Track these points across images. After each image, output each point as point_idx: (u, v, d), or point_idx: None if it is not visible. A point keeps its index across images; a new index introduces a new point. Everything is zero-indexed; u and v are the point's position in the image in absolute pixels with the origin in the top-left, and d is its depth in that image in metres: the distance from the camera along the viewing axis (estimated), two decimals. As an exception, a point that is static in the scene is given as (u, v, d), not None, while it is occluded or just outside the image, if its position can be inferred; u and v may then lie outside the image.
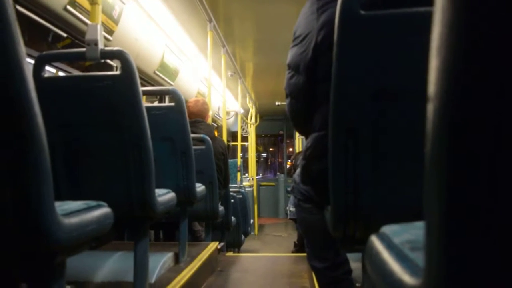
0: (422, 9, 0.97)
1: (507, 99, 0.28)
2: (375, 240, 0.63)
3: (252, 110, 8.99)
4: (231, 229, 4.20)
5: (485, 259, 0.30)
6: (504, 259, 0.29)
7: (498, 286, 0.30)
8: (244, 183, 7.49)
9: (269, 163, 13.33)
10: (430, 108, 0.32)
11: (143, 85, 4.31)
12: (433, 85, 0.31)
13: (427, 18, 0.32)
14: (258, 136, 11.36)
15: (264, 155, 13.00)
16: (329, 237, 1.27)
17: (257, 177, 10.46)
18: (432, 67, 0.31)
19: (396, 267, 0.50)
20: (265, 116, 11.46)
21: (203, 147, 3.01)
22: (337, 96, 1.07)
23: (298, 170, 1.63)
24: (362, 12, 1.01)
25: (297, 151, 9.58)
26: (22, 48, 0.71)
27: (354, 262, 1.65)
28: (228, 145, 8.62)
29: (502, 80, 0.28)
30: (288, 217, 7.00)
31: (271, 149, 13.25)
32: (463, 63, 0.29)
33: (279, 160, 13.01)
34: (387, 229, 0.63)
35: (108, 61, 3.57)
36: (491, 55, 0.28)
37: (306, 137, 1.52)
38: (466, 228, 0.30)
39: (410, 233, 0.58)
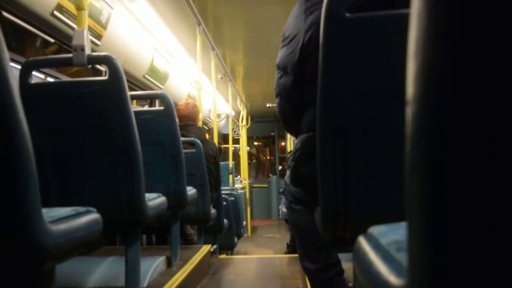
0: (407, 11, 0.98)
1: (484, 102, 0.28)
2: (362, 241, 0.63)
3: (243, 113, 8.99)
4: (224, 231, 4.19)
5: (466, 259, 0.30)
6: (485, 258, 0.30)
7: (479, 286, 0.30)
8: (236, 185, 7.48)
9: (261, 165, 13.30)
10: (409, 111, 0.32)
11: (132, 90, 4.31)
12: (410, 88, 0.32)
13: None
14: (249, 138, 11.35)
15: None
16: (321, 238, 1.28)
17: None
18: (409, 71, 0.32)
19: (383, 268, 0.50)
20: (256, 118, 11.46)
21: (193, 150, 3.01)
22: (324, 97, 1.08)
23: (288, 172, 1.64)
24: (347, 14, 1.02)
25: (288, 151, 9.58)
26: (6, 55, 0.71)
27: (346, 262, 1.65)
28: (220, 148, 8.62)
29: (479, 84, 0.28)
30: (280, 216, 7.00)
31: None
32: (440, 67, 0.30)
33: (269, 157, 12.97)
34: (374, 229, 0.64)
35: (98, 66, 3.55)
36: (468, 58, 0.29)
37: (296, 138, 1.53)
38: (447, 229, 0.31)
39: (397, 233, 0.59)
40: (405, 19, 1.01)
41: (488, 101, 0.28)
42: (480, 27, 0.28)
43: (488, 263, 0.29)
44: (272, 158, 12.79)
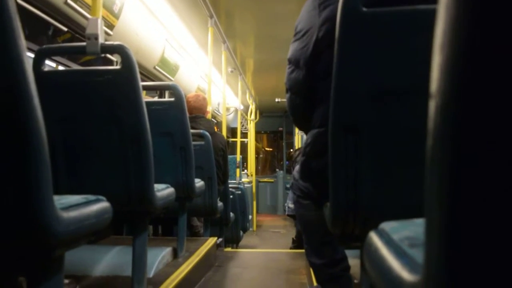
0: (423, 6, 0.97)
1: (510, 97, 0.28)
2: (374, 237, 0.63)
3: (252, 107, 8.98)
4: (230, 224, 4.20)
5: (484, 256, 0.30)
6: (504, 256, 0.29)
7: (496, 284, 0.30)
8: (243, 179, 7.49)
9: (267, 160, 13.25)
10: (432, 105, 0.32)
11: (143, 80, 4.30)
12: (435, 82, 0.31)
13: (429, 16, 0.32)
14: (257, 132, 11.35)
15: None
16: (328, 233, 1.27)
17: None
18: (435, 64, 0.31)
19: (395, 263, 0.50)
20: (265, 112, 11.45)
21: (202, 142, 3.01)
22: (338, 93, 1.07)
23: (297, 167, 1.64)
24: (364, 9, 1.01)
25: (296, 147, 9.56)
26: (23, 41, 0.71)
27: (352, 259, 1.65)
28: (228, 141, 8.62)
29: (505, 78, 0.28)
30: (286, 213, 7.00)
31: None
32: (467, 60, 0.29)
33: (275, 151, 12.89)
34: (386, 225, 0.63)
35: (109, 55, 3.56)
36: (495, 52, 0.28)
37: (306, 133, 1.52)
38: (467, 226, 0.30)
39: (409, 230, 0.58)
40: (422, 15, 1.00)
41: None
42: (508, 19, 0.27)
43: (508, 261, 0.29)
44: (279, 153, 12.77)
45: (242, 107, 8.54)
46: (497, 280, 0.30)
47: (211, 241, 2.92)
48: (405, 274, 0.46)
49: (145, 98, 3.47)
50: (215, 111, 7.58)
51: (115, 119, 1.51)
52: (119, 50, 1.49)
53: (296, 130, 9.91)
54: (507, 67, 0.27)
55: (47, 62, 2.99)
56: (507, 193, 0.28)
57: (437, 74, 0.31)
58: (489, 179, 0.29)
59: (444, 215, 0.32)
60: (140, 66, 4.22)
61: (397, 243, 0.54)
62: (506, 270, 0.29)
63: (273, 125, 12.17)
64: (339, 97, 1.08)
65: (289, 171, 11.05)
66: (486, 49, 0.28)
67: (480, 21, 0.28)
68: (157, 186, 1.66)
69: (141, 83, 1.55)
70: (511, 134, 0.28)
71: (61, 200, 0.92)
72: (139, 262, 1.67)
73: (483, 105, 0.29)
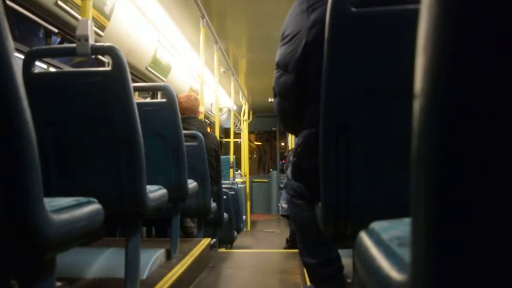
0: (413, 6, 0.97)
1: (493, 97, 0.28)
2: (364, 236, 0.63)
3: (245, 107, 8.98)
4: (223, 225, 4.20)
5: (471, 255, 0.30)
6: (490, 255, 0.29)
7: (481, 282, 0.30)
8: (236, 180, 7.48)
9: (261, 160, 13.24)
10: (416, 105, 0.32)
11: (135, 81, 4.31)
12: (419, 82, 0.31)
13: (418, 15, 0.32)
14: (251, 132, 11.34)
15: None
16: (321, 233, 1.28)
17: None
18: (418, 65, 0.32)
19: (384, 263, 0.50)
20: (258, 112, 11.45)
21: (195, 143, 3.01)
22: (329, 93, 1.07)
23: (290, 167, 1.64)
24: (353, 9, 1.02)
25: (290, 147, 9.57)
26: (10, 43, 0.71)
27: (346, 258, 1.66)
28: (221, 142, 8.61)
29: (488, 78, 0.28)
30: (280, 213, 7.00)
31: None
32: (449, 61, 0.29)
33: (269, 152, 12.88)
34: (376, 225, 0.64)
35: (100, 57, 3.55)
36: (477, 53, 0.28)
37: (296, 136, 1.52)
38: (452, 224, 0.31)
39: (399, 229, 0.59)
40: (411, 14, 1.01)
41: (500, 94, 0.28)
42: (491, 20, 0.27)
43: (493, 260, 0.29)
44: (272, 153, 12.76)
45: (235, 107, 8.54)
46: (482, 277, 0.30)
47: (205, 242, 2.91)
48: (394, 274, 0.46)
49: (137, 99, 3.47)
50: (208, 111, 7.57)
51: (106, 120, 1.51)
52: (109, 51, 1.48)
53: (290, 129, 9.88)
54: (490, 68, 0.28)
55: (39, 64, 2.98)
56: (491, 192, 0.29)
57: (420, 75, 0.31)
58: (473, 179, 0.29)
59: (429, 215, 0.32)
60: (132, 67, 4.21)
61: (386, 243, 0.54)
62: (491, 268, 0.30)
63: (266, 125, 12.17)
64: (330, 97, 1.08)
65: (282, 170, 11.06)
66: (468, 50, 0.28)
67: (463, 22, 0.28)
68: (149, 188, 1.65)
69: (133, 84, 1.55)
70: (495, 134, 0.28)
71: (52, 203, 0.91)
72: (132, 264, 1.66)
73: (466, 105, 0.29)
